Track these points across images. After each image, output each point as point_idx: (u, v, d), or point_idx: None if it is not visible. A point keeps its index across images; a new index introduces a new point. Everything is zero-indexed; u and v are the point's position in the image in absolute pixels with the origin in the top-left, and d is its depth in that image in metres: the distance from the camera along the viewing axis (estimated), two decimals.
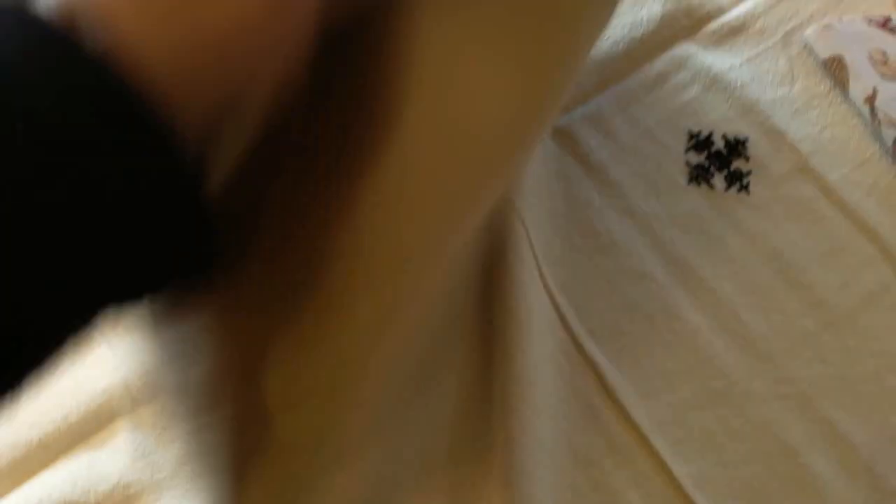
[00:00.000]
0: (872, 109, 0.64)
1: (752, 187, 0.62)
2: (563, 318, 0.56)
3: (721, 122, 0.65)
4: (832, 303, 0.58)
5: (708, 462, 0.53)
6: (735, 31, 0.70)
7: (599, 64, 0.68)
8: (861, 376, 0.56)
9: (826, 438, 0.53)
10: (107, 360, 0.53)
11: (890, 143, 0.63)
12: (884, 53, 0.68)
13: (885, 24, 0.69)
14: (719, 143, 0.64)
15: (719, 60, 0.68)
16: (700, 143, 0.64)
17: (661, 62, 0.68)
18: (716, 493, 0.52)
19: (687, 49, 0.69)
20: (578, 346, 0.55)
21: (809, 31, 0.69)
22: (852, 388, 0.55)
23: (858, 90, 0.65)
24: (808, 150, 0.64)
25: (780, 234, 0.61)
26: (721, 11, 0.71)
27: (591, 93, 0.67)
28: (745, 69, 0.68)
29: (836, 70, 0.67)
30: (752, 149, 0.64)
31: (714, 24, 0.71)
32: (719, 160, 0.63)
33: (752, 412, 0.54)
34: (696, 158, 0.63)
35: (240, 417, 0.37)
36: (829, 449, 0.53)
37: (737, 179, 0.62)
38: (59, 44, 0.16)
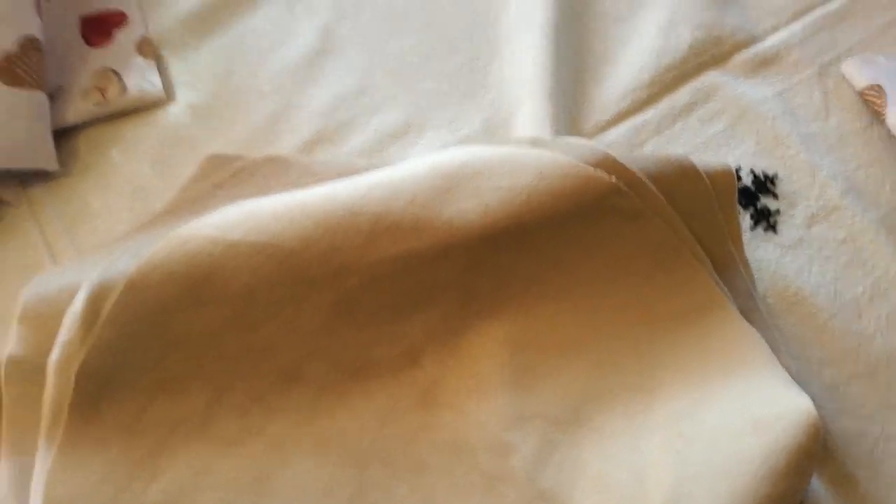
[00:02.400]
0: None
1: (779, 227, 0.59)
2: None
3: (750, 157, 0.62)
4: (861, 353, 0.54)
5: None
6: (768, 62, 0.68)
7: (623, 91, 0.65)
8: None
9: None
10: None
11: None
12: None
13: None
14: (747, 179, 0.61)
15: (750, 91, 0.65)
16: None
17: (687, 91, 0.66)
18: None
19: (716, 78, 0.66)
20: None
21: (848, 62, 0.66)
22: None
23: None
24: (841, 188, 0.61)
25: (807, 277, 0.57)
26: (753, 40, 0.68)
27: (614, 122, 0.64)
28: (778, 101, 0.65)
29: (873, 98, 0.63)
30: (782, 185, 0.61)
31: (746, 54, 0.68)
32: (746, 197, 0.60)
33: None
34: None
35: None
36: None
37: (764, 218, 0.59)
38: None
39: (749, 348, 0.50)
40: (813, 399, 0.51)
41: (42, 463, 0.48)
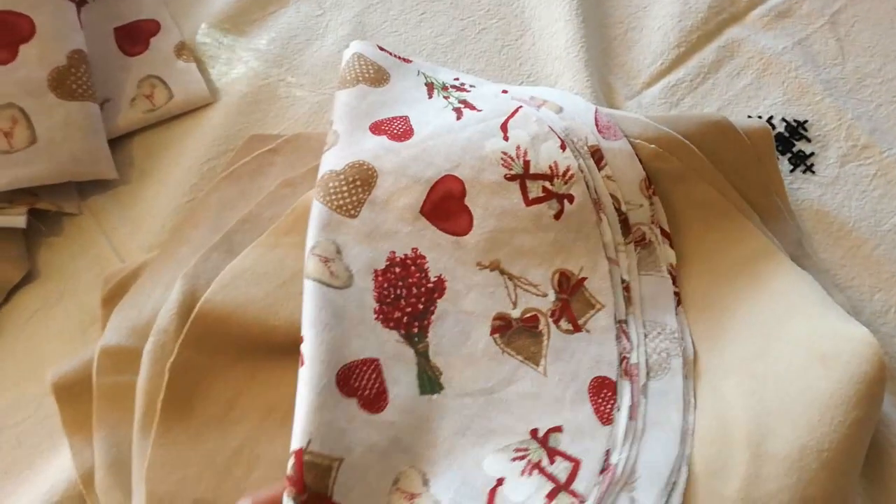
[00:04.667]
0: None
1: (816, 167, 0.63)
2: None
3: (780, 106, 0.66)
4: None
5: None
6: (783, 15, 0.71)
7: (652, 55, 0.68)
8: None
9: None
10: None
11: None
12: None
13: None
14: (780, 126, 0.64)
15: (771, 43, 0.69)
16: None
17: (713, 50, 0.69)
18: None
19: (737, 34, 0.70)
20: None
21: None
22: None
23: None
24: (867, 128, 0.64)
25: (848, 211, 0.61)
26: None
27: (648, 84, 0.67)
28: (798, 51, 0.69)
29: None
30: (813, 129, 0.64)
31: (761, 10, 0.71)
32: (782, 143, 0.63)
33: None
34: None
35: None
36: None
37: (801, 161, 0.63)
38: None
39: (805, 290, 0.53)
40: (867, 323, 0.55)
41: (139, 458, 0.50)
